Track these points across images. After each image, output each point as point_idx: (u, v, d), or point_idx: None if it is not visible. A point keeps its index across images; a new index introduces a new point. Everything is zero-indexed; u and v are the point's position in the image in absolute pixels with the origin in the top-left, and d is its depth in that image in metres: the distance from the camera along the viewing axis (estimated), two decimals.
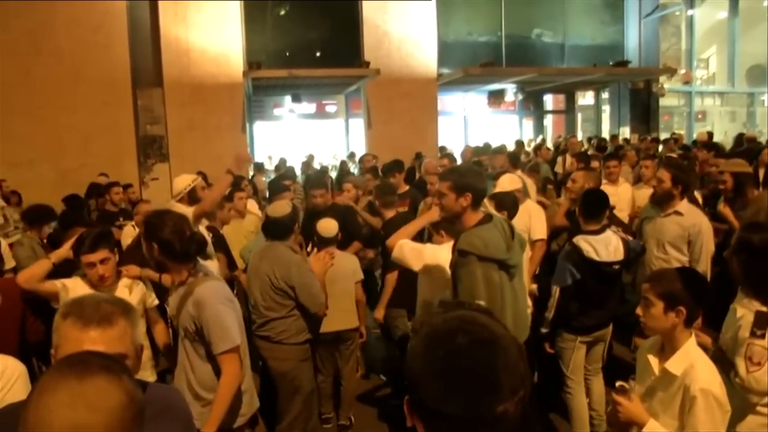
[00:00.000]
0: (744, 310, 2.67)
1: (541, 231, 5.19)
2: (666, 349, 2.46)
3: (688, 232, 4.34)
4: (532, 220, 5.19)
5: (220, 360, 2.77)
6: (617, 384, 2.40)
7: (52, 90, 11.89)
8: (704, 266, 4.33)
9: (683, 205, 4.46)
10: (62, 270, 3.54)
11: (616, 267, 3.99)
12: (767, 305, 2.65)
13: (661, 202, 4.50)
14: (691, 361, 2.35)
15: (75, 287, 3.32)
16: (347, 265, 4.55)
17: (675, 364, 2.37)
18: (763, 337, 2.58)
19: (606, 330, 4.20)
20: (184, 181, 5.01)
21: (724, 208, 4.53)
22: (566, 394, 4.21)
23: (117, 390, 1.13)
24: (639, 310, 2.50)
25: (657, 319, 2.42)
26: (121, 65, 12.42)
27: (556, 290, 4.04)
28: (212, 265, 4.21)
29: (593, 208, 4.11)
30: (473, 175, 3.21)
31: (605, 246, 3.95)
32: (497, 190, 5.01)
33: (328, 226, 4.45)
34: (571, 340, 4.11)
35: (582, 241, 3.96)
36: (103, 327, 1.63)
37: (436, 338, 1.10)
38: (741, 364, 2.61)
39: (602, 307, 4.06)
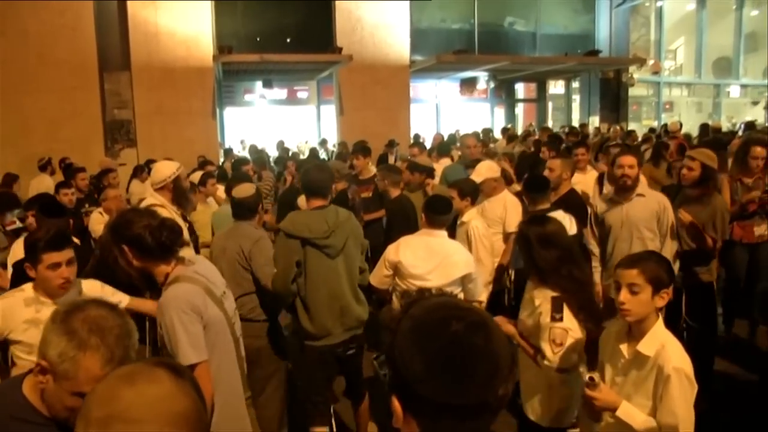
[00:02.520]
0: (541, 299, 2.92)
1: (516, 224, 5.09)
2: (634, 332, 2.49)
3: (656, 212, 4.40)
4: (508, 212, 5.10)
5: None
6: (587, 377, 2.43)
7: (17, 73, 11.57)
8: (673, 240, 4.44)
9: (641, 187, 4.55)
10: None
11: None
12: (557, 290, 2.89)
13: (632, 188, 4.48)
14: (662, 341, 2.40)
15: (12, 306, 2.88)
16: None
17: (647, 346, 2.41)
18: (561, 320, 2.84)
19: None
20: (168, 169, 4.59)
21: (683, 214, 4.51)
22: None
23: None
24: (623, 297, 2.42)
25: (645, 304, 2.41)
26: (88, 48, 12.14)
27: (512, 273, 4.13)
28: (188, 251, 4.15)
29: (537, 189, 4.32)
30: (304, 172, 4.03)
31: None
32: (474, 176, 4.99)
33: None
34: None
35: None
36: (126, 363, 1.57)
37: (428, 330, 1.06)
38: (547, 348, 2.85)
39: None
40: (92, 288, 3.25)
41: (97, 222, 5.59)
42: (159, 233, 2.46)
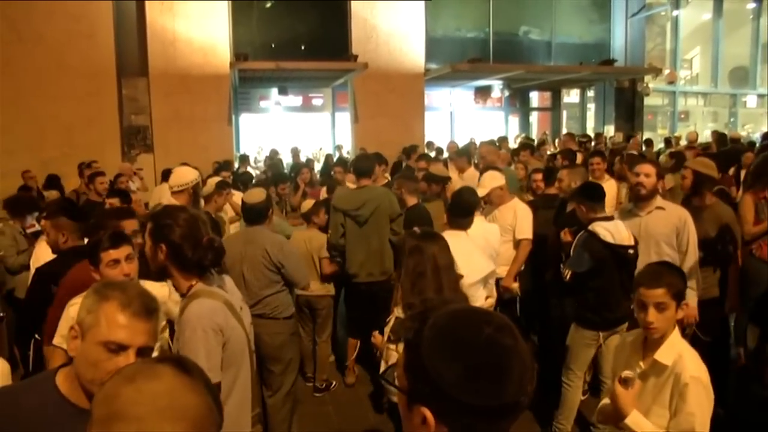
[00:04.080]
0: (396, 314, 2.96)
1: (526, 231, 5.15)
2: (650, 343, 2.49)
3: (675, 226, 4.25)
4: (518, 219, 5.17)
5: None
6: (623, 374, 2.37)
7: (33, 79, 11.68)
8: (694, 256, 4.25)
9: (660, 200, 4.40)
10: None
11: (632, 251, 3.99)
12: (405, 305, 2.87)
13: (647, 198, 4.34)
14: (679, 351, 2.40)
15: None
16: (317, 241, 5.37)
17: (664, 355, 2.41)
18: (396, 342, 2.77)
19: (624, 325, 4.10)
20: (191, 174, 4.73)
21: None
22: (564, 386, 4.21)
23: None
24: (651, 317, 2.39)
25: (671, 319, 2.42)
26: (106, 55, 12.27)
27: (567, 272, 4.07)
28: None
29: (594, 197, 4.20)
30: (354, 160, 6.29)
31: (618, 231, 4.00)
32: (479, 190, 5.01)
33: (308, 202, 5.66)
34: (592, 338, 4.07)
35: (598, 227, 4.01)
36: (148, 319, 1.67)
37: (461, 336, 1.06)
38: (383, 366, 2.92)
39: (627, 297, 3.88)
40: (154, 289, 3.22)
41: None
42: (204, 251, 2.38)
